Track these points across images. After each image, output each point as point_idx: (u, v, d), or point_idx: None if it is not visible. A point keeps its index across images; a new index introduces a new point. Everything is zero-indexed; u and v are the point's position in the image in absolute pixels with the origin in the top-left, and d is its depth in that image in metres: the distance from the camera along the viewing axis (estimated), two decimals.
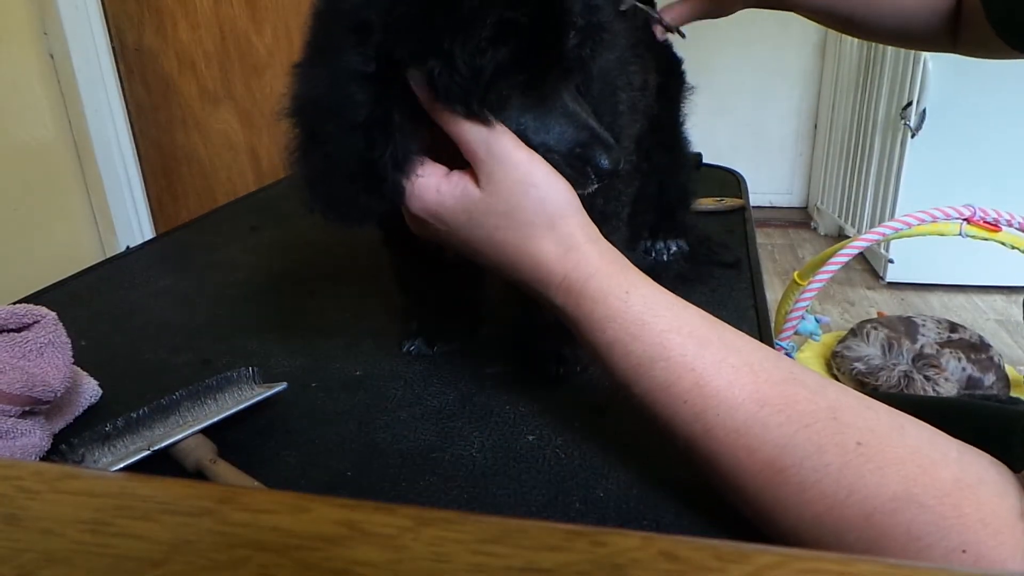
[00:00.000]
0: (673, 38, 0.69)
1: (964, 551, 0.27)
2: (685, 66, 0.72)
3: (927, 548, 0.28)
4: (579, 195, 0.41)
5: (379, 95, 0.38)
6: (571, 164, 0.40)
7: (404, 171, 0.40)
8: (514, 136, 0.39)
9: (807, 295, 1.25)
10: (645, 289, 0.38)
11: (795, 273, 1.31)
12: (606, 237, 0.51)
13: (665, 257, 0.73)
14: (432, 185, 0.41)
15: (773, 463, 0.32)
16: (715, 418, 0.34)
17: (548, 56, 0.38)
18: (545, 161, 0.40)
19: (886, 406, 0.33)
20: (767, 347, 0.37)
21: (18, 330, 0.45)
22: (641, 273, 0.40)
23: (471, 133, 0.39)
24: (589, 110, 0.41)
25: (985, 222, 1.13)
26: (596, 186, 0.41)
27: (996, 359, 1.69)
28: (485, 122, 0.39)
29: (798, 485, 0.31)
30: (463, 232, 0.41)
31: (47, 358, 0.45)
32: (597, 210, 0.50)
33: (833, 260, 1.22)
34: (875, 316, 1.99)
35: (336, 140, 0.39)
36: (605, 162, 0.40)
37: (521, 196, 0.39)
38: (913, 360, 1.68)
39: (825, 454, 0.31)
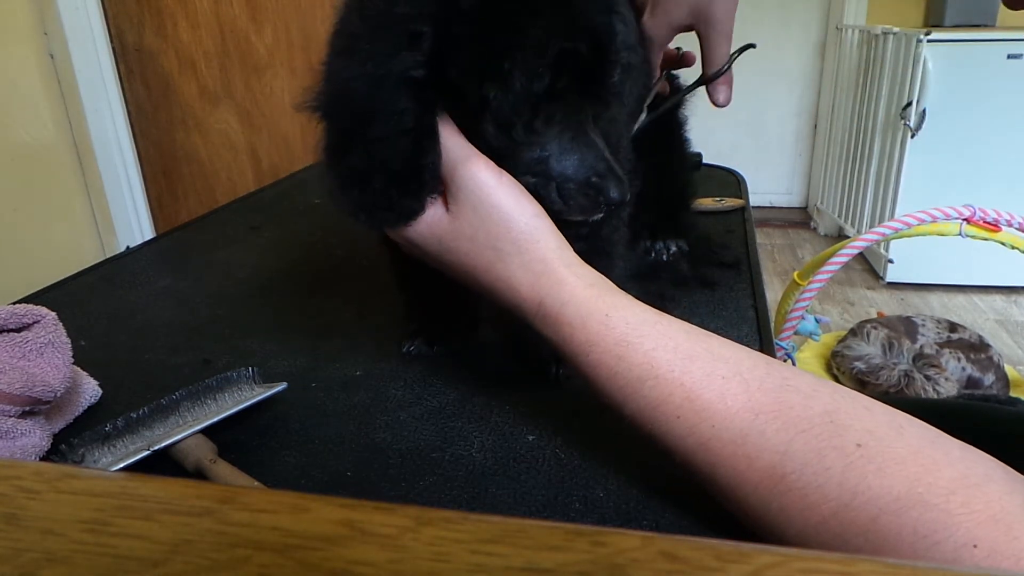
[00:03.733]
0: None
1: (975, 546, 0.27)
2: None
3: (935, 546, 0.28)
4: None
5: (427, 102, 0.39)
6: (585, 193, 0.41)
7: (440, 175, 0.41)
8: (486, 160, 0.40)
9: (807, 295, 1.25)
10: (626, 311, 0.37)
11: (795, 273, 1.31)
12: (608, 235, 0.52)
13: (665, 257, 0.73)
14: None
15: (774, 471, 0.32)
16: (710, 430, 0.33)
17: (597, 88, 0.39)
18: (516, 184, 0.40)
19: (882, 405, 0.33)
20: (757, 353, 0.36)
21: (18, 330, 0.45)
22: (621, 292, 0.39)
23: (442, 157, 0.40)
24: (603, 141, 0.42)
25: (985, 222, 1.13)
26: (602, 214, 0.42)
27: (996, 359, 1.69)
28: (466, 147, 0.40)
29: (801, 491, 0.31)
30: (440, 257, 0.42)
31: (47, 358, 0.45)
32: None
33: (833, 260, 1.22)
34: (875, 316, 1.99)
35: (383, 144, 0.39)
36: (615, 194, 0.41)
37: (484, 218, 0.39)
38: (913, 360, 1.68)
39: (825, 458, 0.31)
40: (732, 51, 0.65)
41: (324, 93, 0.41)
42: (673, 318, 0.38)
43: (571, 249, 0.41)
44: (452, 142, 0.40)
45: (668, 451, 0.36)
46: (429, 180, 0.40)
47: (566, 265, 0.39)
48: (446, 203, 0.41)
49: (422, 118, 0.39)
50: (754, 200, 0.93)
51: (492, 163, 0.40)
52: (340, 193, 0.41)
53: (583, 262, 0.40)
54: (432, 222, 0.41)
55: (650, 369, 0.35)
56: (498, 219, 0.39)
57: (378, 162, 0.40)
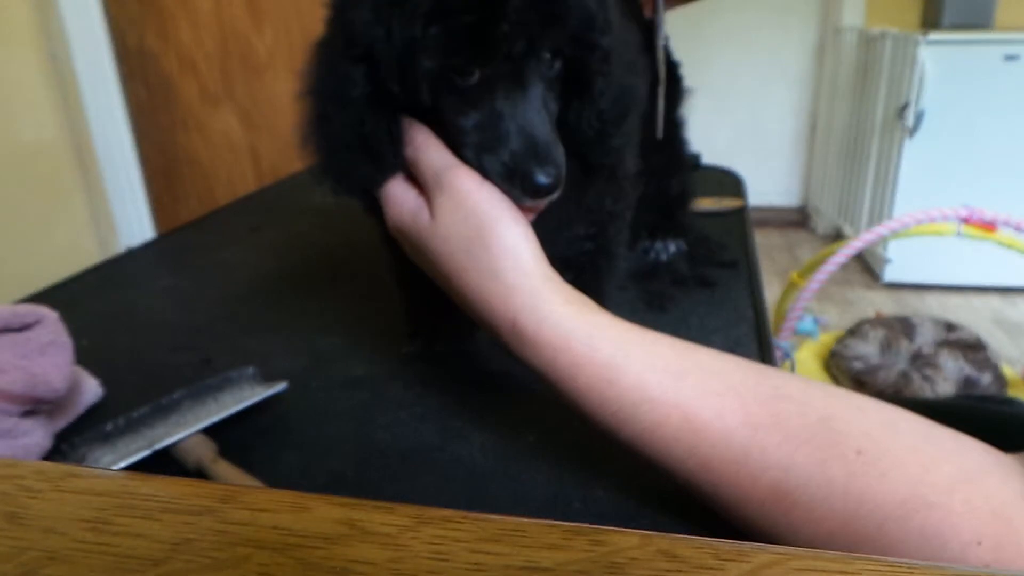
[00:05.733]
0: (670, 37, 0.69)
1: (980, 543, 0.27)
2: (684, 66, 0.72)
3: (942, 547, 0.28)
4: (578, 199, 0.41)
5: (369, 73, 0.39)
6: (500, 173, 0.39)
7: (400, 143, 0.41)
8: (468, 169, 0.39)
9: (805, 295, 1.25)
10: (608, 330, 0.35)
11: (793, 273, 1.31)
12: (611, 237, 0.52)
13: (664, 257, 0.73)
14: (399, 195, 0.41)
15: (778, 487, 0.31)
16: (711, 450, 0.32)
17: (480, 43, 0.36)
18: (498, 192, 0.39)
19: (873, 401, 0.33)
20: (744, 361, 0.35)
21: (20, 330, 0.45)
22: (599, 309, 0.37)
23: (425, 160, 0.40)
24: (545, 118, 0.39)
25: (982, 222, 1.13)
26: (531, 202, 0.39)
27: (992, 359, 1.69)
28: (435, 147, 0.39)
29: (807, 506, 0.30)
30: (420, 256, 0.42)
31: (49, 358, 0.45)
32: (606, 210, 0.50)
33: (831, 260, 1.22)
34: (873, 316, 1.99)
35: (336, 118, 0.40)
36: (541, 177, 0.37)
37: (460, 221, 0.38)
38: (911, 360, 1.69)
39: (829, 469, 0.30)
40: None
41: (304, 78, 0.42)
42: (657, 333, 0.36)
43: (548, 263, 0.39)
44: (436, 151, 0.40)
45: (668, 473, 0.35)
46: (385, 151, 0.40)
47: (543, 279, 0.37)
48: (431, 206, 0.40)
49: (364, 89, 0.39)
50: (752, 200, 0.93)
51: (476, 173, 0.39)
52: (317, 166, 0.43)
53: (559, 276, 0.39)
54: (416, 217, 0.40)
55: (643, 392, 0.34)
56: (474, 222, 0.38)
57: (335, 135, 0.41)
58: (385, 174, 0.42)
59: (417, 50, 0.36)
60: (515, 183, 0.38)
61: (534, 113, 0.39)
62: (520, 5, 0.36)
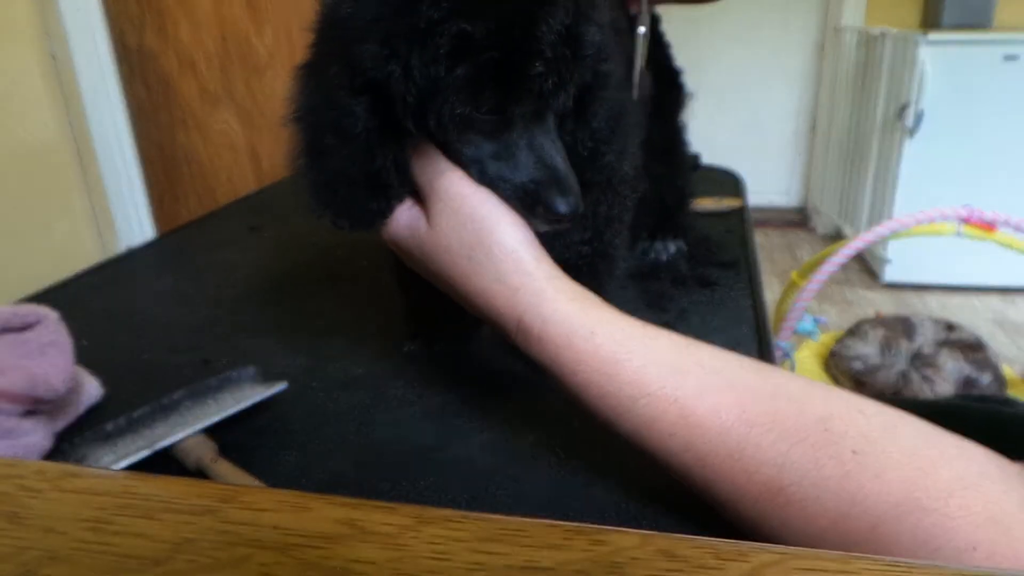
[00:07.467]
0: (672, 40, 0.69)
1: (975, 549, 0.27)
2: (683, 63, 0.72)
3: (936, 551, 0.28)
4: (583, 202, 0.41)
5: (373, 105, 0.38)
6: (521, 200, 0.39)
7: (407, 174, 0.40)
8: (462, 173, 0.39)
9: (805, 295, 1.25)
10: (611, 326, 0.36)
11: (793, 273, 1.31)
12: (611, 240, 0.52)
13: (664, 258, 0.73)
14: (395, 213, 0.41)
15: (772, 483, 0.31)
16: (706, 446, 0.33)
17: (510, 82, 0.36)
18: (492, 196, 0.39)
19: (875, 403, 0.33)
20: (747, 360, 0.36)
21: (20, 330, 0.45)
22: (604, 306, 0.38)
23: (418, 169, 0.40)
24: (560, 147, 0.40)
25: (982, 222, 1.13)
26: (547, 228, 0.40)
27: (992, 359, 1.69)
28: (433, 152, 0.39)
29: (800, 503, 0.31)
30: (423, 265, 0.42)
31: (49, 358, 0.45)
32: (602, 215, 0.50)
33: (831, 260, 1.22)
34: (873, 316, 1.99)
35: (338, 151, 0.39)
36: (562, 206, 0.38)
37: (458, 228, 0.38)
38: (910, 360, 1.69)
39: (823, 468, 0.30)
40: None
41: (293, 102, 0.41)
42: (660, 330, 0.37)
43: (551, 261, 0.39)
44: (430, 157, 0.40)
45: (665, 467, 0.35)
46: (392, 183, 0.40)
47: (546, 278, 0.38)
48: (427, 214, 0.40)
49: (368, 122, 0.38)
50: (752, 200, 0.93)
51: (468, 176, 0.39)
52: (314, 201, 0.41)
53: (564, 274, 0.39)
54: (413, 228, 0.40)
55: (641, 387, 0.34)
56: (472, 228, 0.38)
57: (337, 170, 0.40)
58: (393, 206, 0.41)
59: (442, 90, 0.36)
60: (535, 211, 0.39)
61: (550, 143, 0.39)
62: (554, 41, 0.35)
